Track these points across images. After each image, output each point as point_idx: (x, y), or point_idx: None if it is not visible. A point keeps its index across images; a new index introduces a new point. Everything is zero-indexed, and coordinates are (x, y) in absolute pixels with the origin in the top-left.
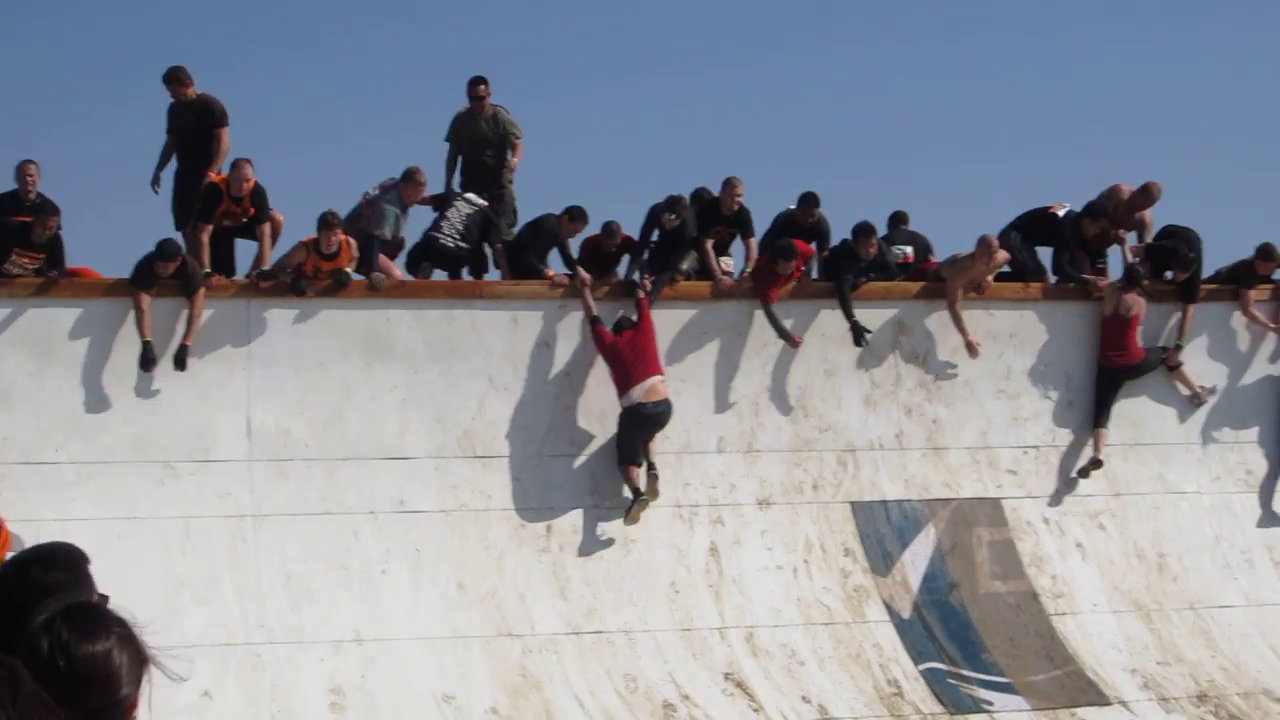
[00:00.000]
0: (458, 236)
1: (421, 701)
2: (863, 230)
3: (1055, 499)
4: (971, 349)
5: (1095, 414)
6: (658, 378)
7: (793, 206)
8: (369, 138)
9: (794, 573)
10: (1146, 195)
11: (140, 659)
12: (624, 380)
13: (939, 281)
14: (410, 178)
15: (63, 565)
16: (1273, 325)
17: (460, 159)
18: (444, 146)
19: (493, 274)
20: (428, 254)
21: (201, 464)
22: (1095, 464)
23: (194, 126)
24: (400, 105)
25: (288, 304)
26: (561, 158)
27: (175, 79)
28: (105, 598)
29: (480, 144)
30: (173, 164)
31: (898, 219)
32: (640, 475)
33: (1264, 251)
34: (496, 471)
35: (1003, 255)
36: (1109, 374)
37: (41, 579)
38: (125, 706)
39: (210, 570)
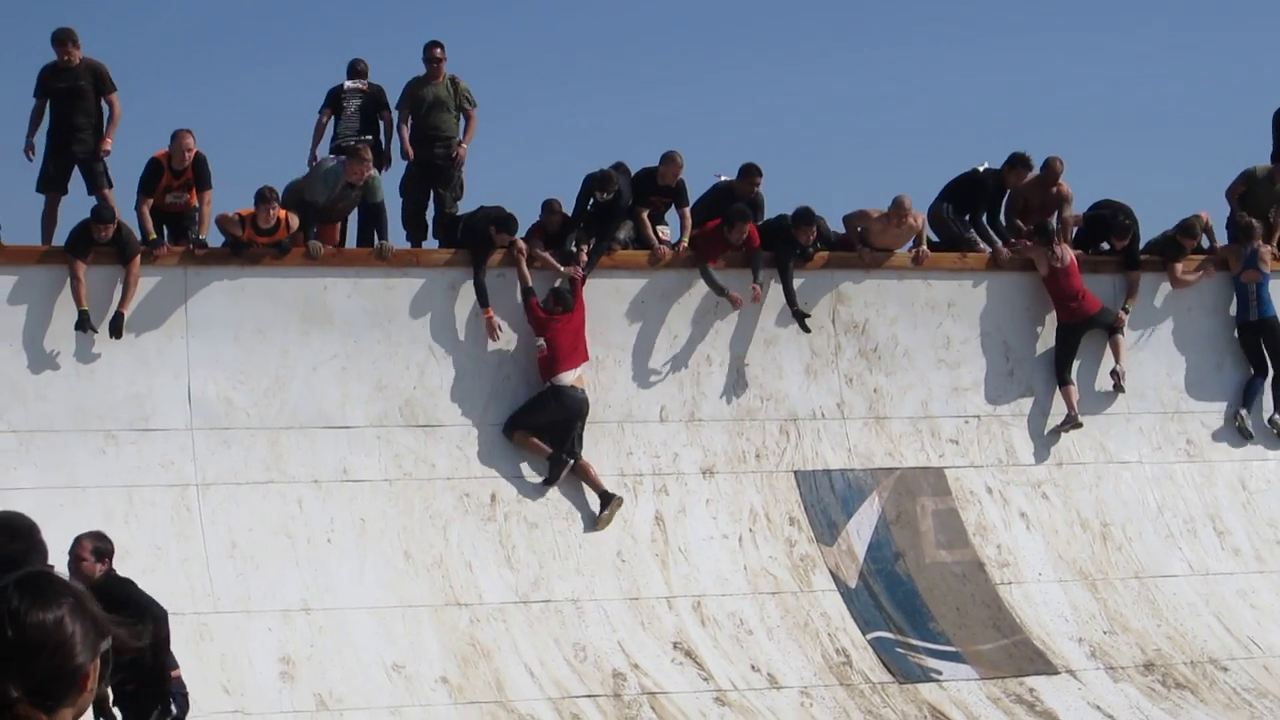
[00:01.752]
0: (356, 133)
1: (372, 670)
2: (803, 218)
3: (998, 468)
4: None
5: (1059, 372)
6: (584, 367)
7: (727, 178)
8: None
9: (740, 542)
10: (1051, 171)
11: (95, 629)
12: (553, 362)
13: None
14: (356, 155)
15: (24, 535)
16: (1198, 275)
17: (411, 121)
18: None
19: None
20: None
21: (142, 432)
22: (1074, 424)
23: (82, 91)
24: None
25: (225, 272)
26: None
27: (67, 39)
28: (51, 567)
29: (437, 107)
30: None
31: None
32: (538, 443)
33: (1185, 228)
34: (439, 440)
35: (913, 220)
36: (1069, 329)
37: (4, 548)
38: (79, 676)
39: (155, 539)
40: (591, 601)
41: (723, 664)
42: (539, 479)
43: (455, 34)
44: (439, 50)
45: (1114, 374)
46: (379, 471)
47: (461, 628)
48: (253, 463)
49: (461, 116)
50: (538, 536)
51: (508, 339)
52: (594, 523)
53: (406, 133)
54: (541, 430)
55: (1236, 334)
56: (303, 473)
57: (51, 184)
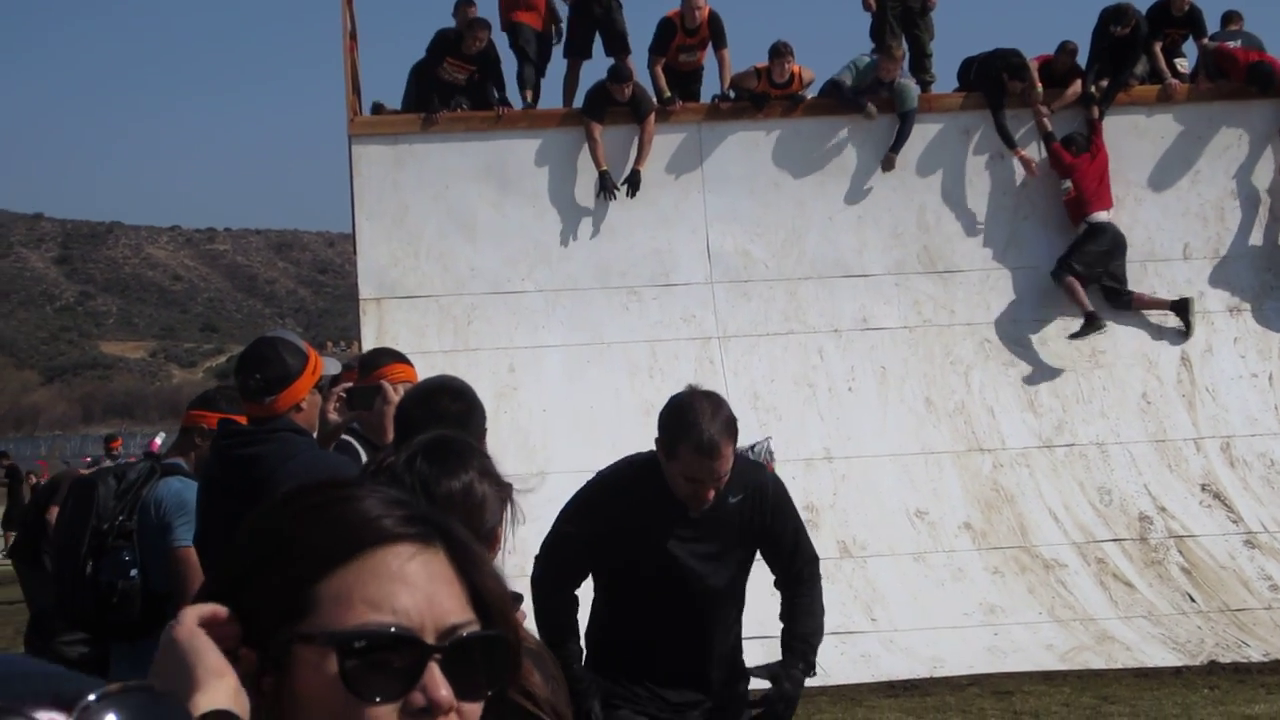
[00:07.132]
0: None
1: (894, 517)
2: None
3: None
4: None
5: None
6: (1112, 212)
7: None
8: None
9: (1269, 380)
10: None
11: (502, 493)
12: (1082, 203)
13: None
14: (886, 52)
15: (467, 400)
16: None
17: None
18: None
19: None
20: None
21: (664, 288)
22: None
23: None
24: None
25: (738, 126)
26: None
27: None
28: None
29: None
30: None
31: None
32: (1082, 292)
33: None
34: (957, 286)
35: None
36: None
37: (446, 407)
38: (490, 540)
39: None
40: (1117, 444)
41: (1253, 505)
42: (1059, 322)
43: None
44: None
45: None
46: (898, 319)
47: (984, 473)
48: (772, 314)
49: None
50: (1061, 381)
51: (1027, 182)
52: (1109, 356)
53: None
54: (1090, 268)
55: None
56: (822, 322)
57: (575, 50)
